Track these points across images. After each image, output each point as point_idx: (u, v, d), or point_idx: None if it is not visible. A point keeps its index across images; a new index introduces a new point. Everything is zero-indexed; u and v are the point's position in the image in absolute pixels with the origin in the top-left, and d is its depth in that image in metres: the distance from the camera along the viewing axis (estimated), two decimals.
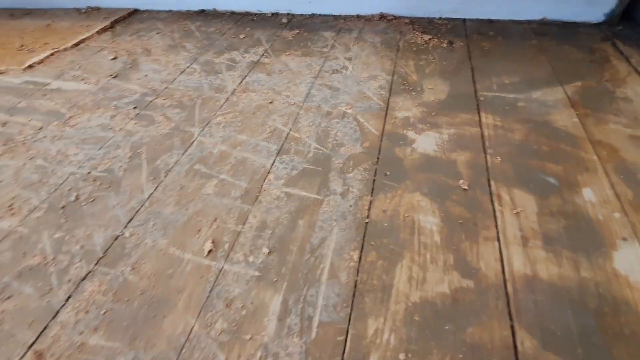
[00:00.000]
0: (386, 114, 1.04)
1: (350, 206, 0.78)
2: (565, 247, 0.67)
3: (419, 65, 1.25)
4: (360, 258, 0.68)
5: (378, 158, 0.89)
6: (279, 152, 0.94)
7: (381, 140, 0.95)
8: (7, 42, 1.65)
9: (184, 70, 1.32)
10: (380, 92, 1.13)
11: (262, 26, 1.61)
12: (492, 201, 0.77)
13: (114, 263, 0.71)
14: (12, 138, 1.06)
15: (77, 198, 0.85)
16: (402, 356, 0.54)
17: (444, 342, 0.56)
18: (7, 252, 0.75)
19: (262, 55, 1.39)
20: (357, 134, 0.97)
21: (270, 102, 1.13)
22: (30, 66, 1.44)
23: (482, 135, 0.94)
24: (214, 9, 1.79)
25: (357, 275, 0.65)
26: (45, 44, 1.61)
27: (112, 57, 1.46)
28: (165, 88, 1.23)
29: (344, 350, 0.56)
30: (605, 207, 0.74)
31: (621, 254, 0.66)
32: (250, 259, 0.70)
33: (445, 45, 1.37)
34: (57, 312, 0.64)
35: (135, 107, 1.15)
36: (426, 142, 0.93)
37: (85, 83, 1.30)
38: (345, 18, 1.63)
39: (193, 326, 0.60)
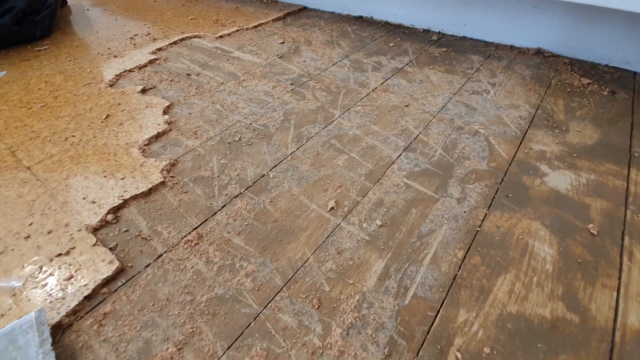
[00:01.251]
0: (521, 143, 1.03)
1: (464, 212, 0.82)
2: None
3: (570, 107, 1.20)
4: (464, 258, 0.72)
5: (502, 179, 0.91)
6: (406, 149, 1.03)
7: (509, 165, 0.96)
8: (206, 16, 2.10)
9: (336, 63, 1.51)
10: (519, 121, 1.13)
11: (411, 39, 1.72)
12: (621, 254, 0.72)
13: (258, 193, 0.89)
14: (202, 85, 1.37)
15: (239, 139, 1.08)
16: (487, 350, 0.58)
17: (533, 356, 0.57)
18: (188, 162, 1.00)
19: (407, 64, 1.49)
20: (486, 152, 1.00)
21: (406, 106, 1.22)
22: (220, 36, 1.82)
23: (627, 190, 0.87)
24: (371, 17, 1.97)
25: (458, 270, 0.70)
26: (234, 22, 2.01)
27: (280, 41, 1.74)
28: (318, 74, 1.43)
29: (432, 324, 0.62)
30: None
31: None
32: (364, 225, 0.80)
33: (605, 93, 1.27)
34: (215, 213, 0.84)
35: (292, 84, 1.37)
36: (559, 180, 0.90)
37: (257, 57, 1.59)
38: (497, 46, 1.63)
39: (309, 258, 0.73)
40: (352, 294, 0.67)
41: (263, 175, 0.95)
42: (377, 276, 0.69)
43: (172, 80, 1.41)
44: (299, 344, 0.59)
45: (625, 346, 0.58)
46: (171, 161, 0.99)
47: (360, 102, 1.25)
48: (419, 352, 0.58)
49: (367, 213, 0.83)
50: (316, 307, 0.64)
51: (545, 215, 0.81)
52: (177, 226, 0.81)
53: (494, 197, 0.86)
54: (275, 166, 0.98)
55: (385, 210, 0.83)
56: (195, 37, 1.81)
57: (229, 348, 0.59)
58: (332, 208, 0.84)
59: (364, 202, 0.86)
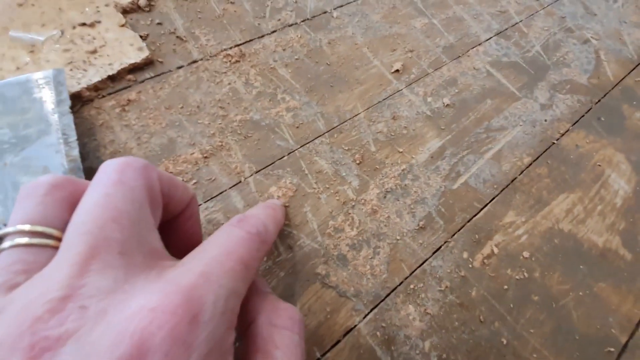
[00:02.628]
0: (634, 69, 0.84)
1: (545, 120, 0.70)
2: None
3: None
4: (530, 164, 0.63)
5: (600, 100, 0.76)
6: (499, 33, 0.84)
7: (613, 87, 0.79)
8: None
9: None
10: None
11: None
12: None
13: (316, 29, 0.75)
14: None
15: None
16: (526, 254, 0.53)
17: (571, 274, 0.53)
18: None
19: None
20: (591, 65, 0.82)
21: None
22: None
23: None
24: None
25: (520, 174, 0.62)
26: None
27: None
28: None
29: (475, 215, 0.56)
30: None
31: None
32: (429, 99, 0.68)
33: None
34: (263, 35, 0.71)
35: None
36: None
37: None
38: None
39: (360, 113, 0.64)
40: (399, 162, 0.59)
41: (325, 12, 0.78)
42: (430, 153, 0.61)
43: None
44: (332, 191, 0.54)
45: None
46: None
47: None
48: (454, 234, 0.53)
49: (435, 88, 0.70)
50: (357, 162, 0.58)
51: (634, 151, 0.69)
52: (218, 36, 0.69)
53: (584, 115, 0.72)
54: (342, 6, 0.80)
55: (456, 91, 0.71)
56: None
57: (257, 172, 0.54)
58: (397, 70, 0.71)
59: (435, 75, 0.72)
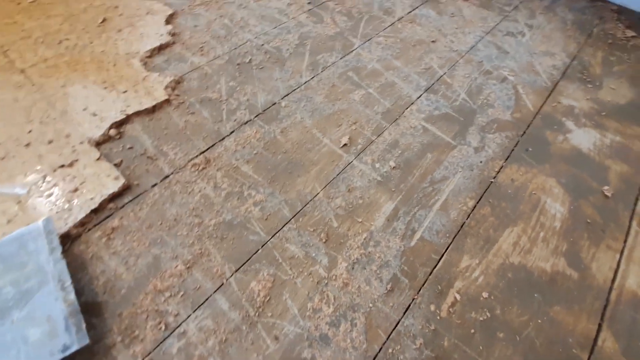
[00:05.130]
0: (549, 95, 0.97)
1: (480, 162, 0.80)
2: None
3: (608, 60, 1.10)
4: (474, 207, 0.72)
5: (524, 132, 0.87)
6: (427, 89, 0.96)
7: (534, 117, 0.91)
8: None
9: None
10: (552, 71, 1.04)
11: None
12: (631, 219, 0.72)
13: (269, 121, 0.85)
14: None
15: (250, 61, 1.00)
16: (485, 294, 0.60)
17: (527, 305, 0.60)
18: (194, 80, 0.93)
19: None
20: (511, 102, 0.94)
21: (433, 41, 1.12)
22: None
23: None
24: None
25: (467, 219, 0.70)
26: None
27: None
28: None
29: (435, 266, 0.63)
30: None
31: None
32: (377, 165, 0.78)
33: None
34: (223, 138, 0.81)
35: (309, 2, 1.23)
36: (583, 138, 0.87)
37: None
38: None
39: (319, 193, 0.72)
40: (360, 231, 0.67)
41: (274, 103, 0.89)
42: (385, 217, 0.69)
43: None
44: (305, 273, 0.61)
45: (620, 305, 0.60)
46: (176, 78, 0.92)
47: (383, 32, 1.13)
48: (420, 290, 0.60)
49: (380, 153, 0.80)
50: (323, 240, 0.65)
51: (562, 173, 0.79)
52: (184, 148, 0.78)
53: (513, 150, 0.83)
54: (288, 94, 0.92)
55: (399, 152, 0.81)
56: None
57: (236, 271, 0.61)
58: (346, 144, 0.81)
59: (379, 141, 0.82)
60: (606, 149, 0.85)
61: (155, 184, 0.72)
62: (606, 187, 0.77)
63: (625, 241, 0.69)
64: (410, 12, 1.23)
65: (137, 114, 0.83)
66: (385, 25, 1.17)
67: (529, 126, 0.89)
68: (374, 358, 0.53)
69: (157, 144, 0.79)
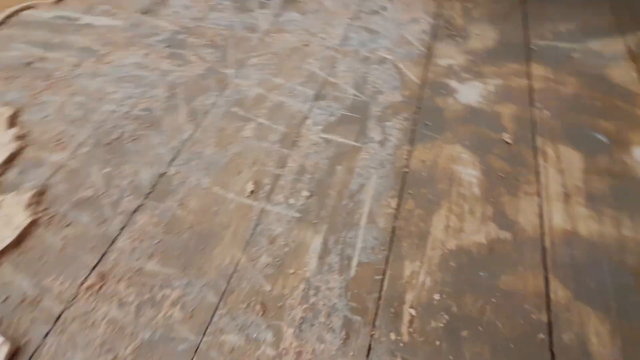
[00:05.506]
0: (428, 61, 0.98)
1: (389, 155, 0.78)
2: (609, 206, 0.67)
3: (466, 8, 1.15)
4: (398, 206, 0.69)
5: (418, 107, 0.87)
6: (316, 98, 0.92)
7: (422, 89, 0.91)
8: None
9: (215, 7, 1.26)
10: (422, 36, 1.06)
11: None
12: (536, 156, 0.75)
13: (162, 198, 0.75)
14: (51, 74, 1.06)
15: (120, 136, 0.88)
16: (437, 296, 0.58)
17: (477, 287, 0.58)
18: (61, 184, 0.80)
19: None
20: (397, 81, 0.94)
21: (306, 45, 1.08)
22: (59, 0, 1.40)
23: (531, 88, 0.89)
24: None
25: (395, 221, 0.67)
26: None
27: None
28: (197, 26, 1.19)
29: (382, 288, 0.59)
30: None
31: None
32: (291, 201, 0.72)
33: None
34: (114, 240, 0.70)
35: (167, 46, 1.12)
36: (470, 93, 0.89)
37: (114, 19, 1.26)
38: None
39: (240, 259, 0.65)
40: (296, 284, 0.61)
41: (162, 175, 0.79)
42: (317, 255, 0.64)
43: (8, 77, 1.07)
44: None
45: (555, 248, 0.62)
46: (37, 189, 0.78)
47: (254, 52, 1.07)
48: (374, 322, 0.56)
49: (291, 186, 0.74)
50: (261, 313, 0.58)
51: (463, 136, 0.80)
52: (70, 272, 0.66)
53: (414, 130, 0.82)
54: (174, 159, 0.82)
55: (309, 177, 0.76)
56: (24, 8, 1.37)
57: None
58: (252, 191, 0.74)
59: (285, 173, 0.77)
60: (492, 96, 0.88)
61: (47, 333, 0.59)
62: (505, 134, 0.79)
63: (538, 181, 0.71)
64: (274, 21, 1.18)
65: (2, 253, 0.69)
66: (253, 43, 1.10)
67: (420, 100, 0.89)
68: None
69: (36, 281, 0.65)
